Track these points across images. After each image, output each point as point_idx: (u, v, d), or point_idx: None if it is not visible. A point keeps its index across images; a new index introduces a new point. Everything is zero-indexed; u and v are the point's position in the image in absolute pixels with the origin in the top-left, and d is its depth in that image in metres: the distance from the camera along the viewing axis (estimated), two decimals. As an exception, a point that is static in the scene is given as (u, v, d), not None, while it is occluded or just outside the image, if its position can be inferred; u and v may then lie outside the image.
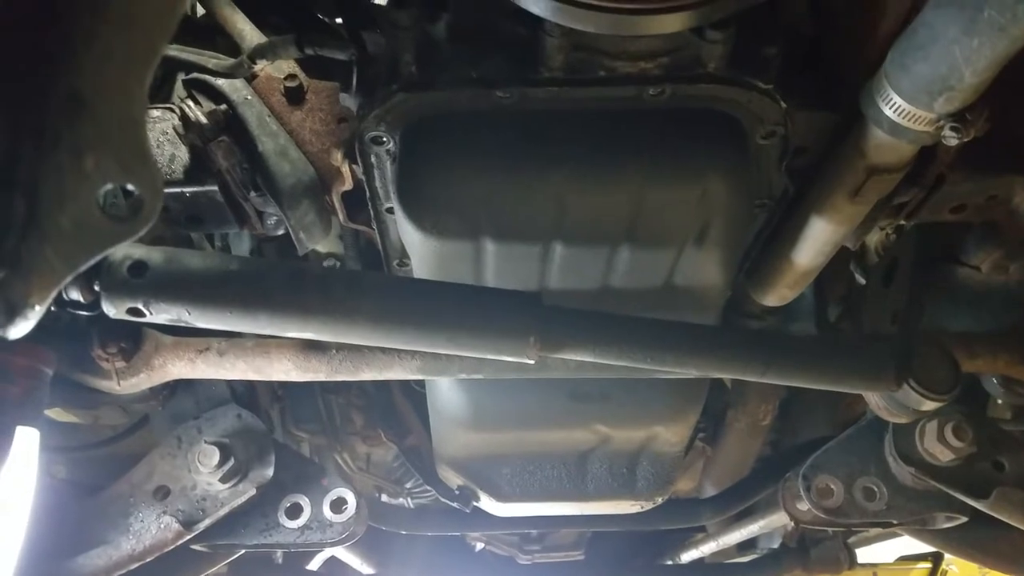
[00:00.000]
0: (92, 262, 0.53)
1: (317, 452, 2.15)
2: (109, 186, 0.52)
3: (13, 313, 0.54)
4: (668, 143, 0.85)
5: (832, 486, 1.22)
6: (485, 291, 0.92)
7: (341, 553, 2.15)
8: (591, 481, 1.36)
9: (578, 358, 0.92)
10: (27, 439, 0.90)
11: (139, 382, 1.04)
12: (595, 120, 0.85)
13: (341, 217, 1.12)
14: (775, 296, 1.11)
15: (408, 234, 0.95)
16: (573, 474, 1.35)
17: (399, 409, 1.77)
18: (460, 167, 0.86)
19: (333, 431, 2.06)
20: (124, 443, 1.43)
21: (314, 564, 2.57)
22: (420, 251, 0.97)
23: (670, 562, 2.30)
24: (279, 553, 2.28)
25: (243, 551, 1.30)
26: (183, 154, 1.05)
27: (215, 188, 1.05)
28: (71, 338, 1.01)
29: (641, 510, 1.45)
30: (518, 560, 2.50)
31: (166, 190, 1.06)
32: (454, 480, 1.43)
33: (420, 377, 1.05)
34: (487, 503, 1.43)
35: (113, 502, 1.10)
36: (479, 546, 2.73)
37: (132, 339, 1.03)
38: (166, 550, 1.09)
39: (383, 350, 1.04)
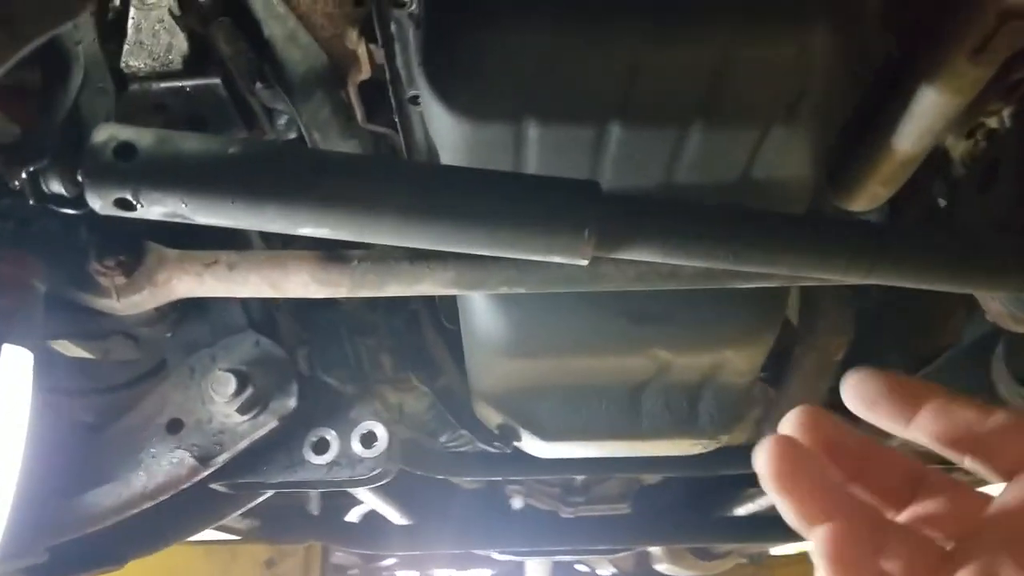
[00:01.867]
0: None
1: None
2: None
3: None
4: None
5: None
6: (532, 178, 0.78)
7: (377, 503, 2.06)
8: (646, 417, 1.23)
9: (643, 257, 0.78)
10: (18, 359, 0.80)
11: (141, 300, 0.93)
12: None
13: (359, 115, 0.98)
14: (865, 197, 0.96)
15: (436, 120, 0.82)
16: (625, 409, 1.22)
17: (431, 350, 1.65)
18: (501, 25, 0.72)
19: (363, 377, 1.96)
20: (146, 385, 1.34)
21: (352, 517, 2.51)
22: (450, 142, 0.84)
23: (722, 516, 2.18)
24: (315, 504, 2.22)
25: (269, 493, 1.20)
26: (181, 42, 0.93)
27: (217, 81, 0.93)
28: (66, 252, 0.90)
29: (703, 450, 1.32)
30: (560, 514, 2.40)
31: (163, 84, 0.94)
32: (492, 418, 1.31)
33: (455, 291, 0.92)
34: (528, 443, 1.31)
35: (122, 437, 1.00)
36: (518, 503, 2.64)
37: (133, 252, 0.92)
38: (181, 488, 0.99)
39: (411, 260, 0.91)
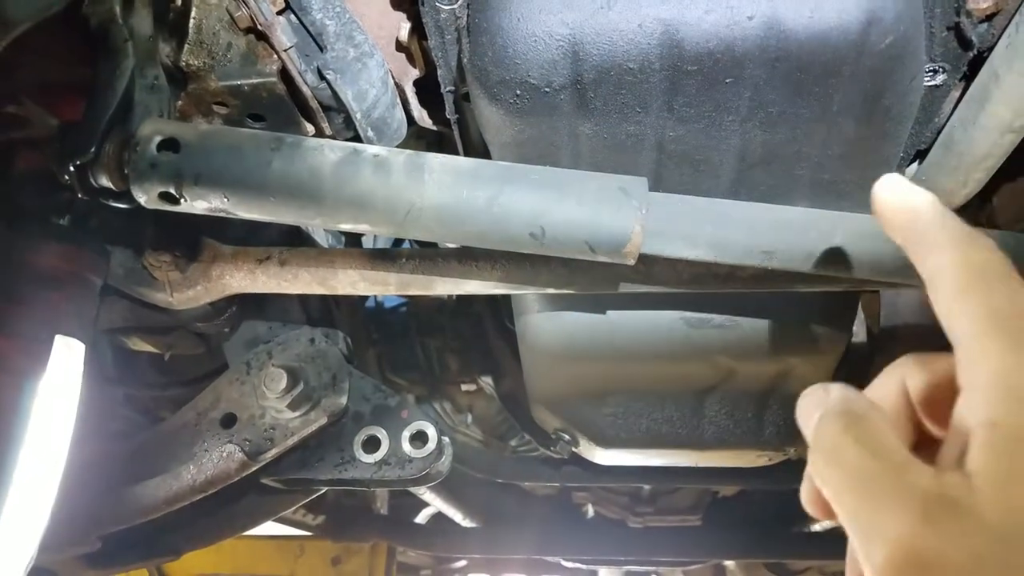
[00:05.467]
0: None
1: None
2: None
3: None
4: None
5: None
6: (578, 175, 0.74)
7: (442, 505, 2.06)
8: (708, 425, 1.17)
9: (693, 256, 0.74)
10: (70, 350, 0.82)
11: (196, 296, 0.94)
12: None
13: (416, 114, 0.97)
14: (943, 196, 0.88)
15: (485, 117, 0.79)
16: (687, 417, 1.16)
17: (495, 352, 1.64)
18: (548, 21, 0.69)
19: (432, 379, 1.96)
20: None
21: (420, 519, 2.52)
22: (499, 139, 0.81)
23: (801, 530, 2.07)
24: (382, 503, 2.23)
25: (322, 490, 1.21)
26: (240, 41, 0.94)
27: (275, 79, 0.93)
28: (123, 248, 0.93)
29: (768, 463, 1.25)
30: (628, 523, 2.34)
31: (222, 83, 0.95)
32: (550, 422, 1.28)
33: (503, 290, 0.90)
34: (587, 448, 1.27)
35: (177, 431, 1.02)
36: (590, 511, 2.59)
37: (188, 247, 0.93)
38: (231, 481, 0.99)
39: (459, 258, 0.89)
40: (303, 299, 1.11)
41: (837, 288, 0.85)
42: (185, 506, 1.20)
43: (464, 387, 1.88)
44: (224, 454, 0.98)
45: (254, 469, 1.00)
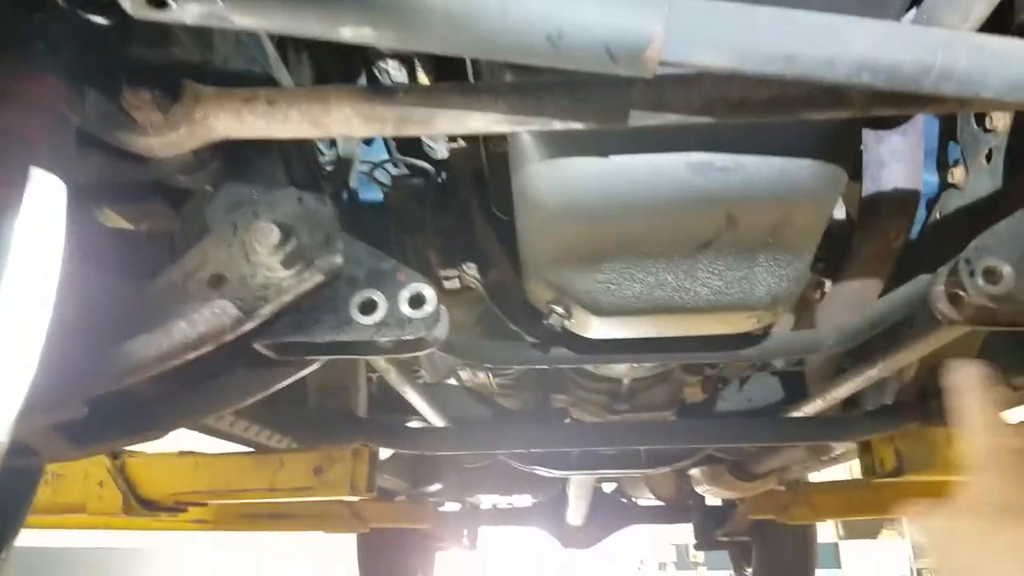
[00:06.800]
0: None
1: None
2: None
3: None
4: None
5: (1001, 270, 0.99)
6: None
7: (422, 406, 2.05)
8: (701, 288, 1.16)
9: (717, 63, 0.71)
10: (49, 188, 0.76)
11: (179, 140, 0.89)
12: None
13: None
14: None
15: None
16: (681, 279, 1.16)
17: (481, 242, 1.60)
18: None
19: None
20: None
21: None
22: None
23: (773, 417, 2.13)
24: (362, 409, 2.21)
25: (317, 363, 1.18)
26: None
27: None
28: (99, 87, 0.86)
29: (757, 324, 1.26)
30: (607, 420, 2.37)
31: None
32: (544, 295, 1.26)
33: (506, 127, 0.86)
34: (580, 320, 1.26)
35: (164, 291, 0.97)
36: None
37: (167, 87, 0.87)
38: (225, 339, 0.96)
39: (460, 91, 0.85)
40: (287, 163, 1.06)
41: (845, 114, 0.84)
42: (173, 378, 1.16)
43: (447, 284, 1.85)
44: (216, 310, 0.94)
45: (249, 327, 0.97)
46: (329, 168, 1.50)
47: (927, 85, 0.75)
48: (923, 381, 2.08)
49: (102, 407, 1.09)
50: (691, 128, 0.93)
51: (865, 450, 2.34)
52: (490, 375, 2.57)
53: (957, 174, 1.57)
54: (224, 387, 1.14)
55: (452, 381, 2.66)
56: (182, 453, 2.49)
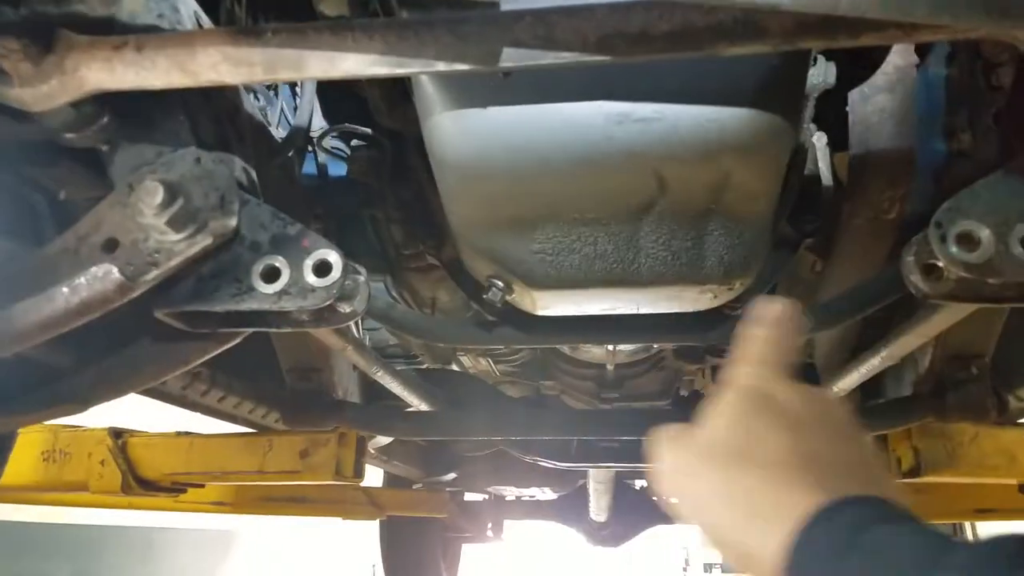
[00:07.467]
0: None
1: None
2: None
3: None
4: None
5: (978, 234, 0.87)
6: None
7: (406, 394, 1.99)
8: (645, 259, 1.07)
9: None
10: None
11: (51, 92, 0.84)
12: None
13: None
14: None
15: None
16: (622, 250, 1.06)
17: (436, 214, 1.53)
18: None
19: (387, 261, 1.87)
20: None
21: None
22: None
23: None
24: (344, 392, 2.16)
25: (232, 341, 1.13)
26: None
27: None
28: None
29: (714, 300, 1.15)
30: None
31: None
32: (482, 268, 1.18)
33: (383, 70, 0.78)
34: (521, 294, 1.18)
35: (55, 258, 0.93)
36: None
37: (38, 37, 0.83)
38: (112, 306, 0.91)
39: (332, 30, 0.78)
40: (194, 123, 1.01)
41: (763, 48, 0.73)
42: (85, 351, 1.12)
43: (416, 267, 1.79)
44: (100, 274, 0.89)
45: (138, 293, 0.91)
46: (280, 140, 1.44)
47: (843, 5, 0.65)
48: (939, 370, 1.92)
49: (18, 379, 1.06)
50: (608, 73, 0.84)
51: (880, 447, 2.19)
52: (491, 361, 2.50)
53: (965, 140, 1.43)
54: (138, 360, 1.09)
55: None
56: (179, 433, 2.49)
